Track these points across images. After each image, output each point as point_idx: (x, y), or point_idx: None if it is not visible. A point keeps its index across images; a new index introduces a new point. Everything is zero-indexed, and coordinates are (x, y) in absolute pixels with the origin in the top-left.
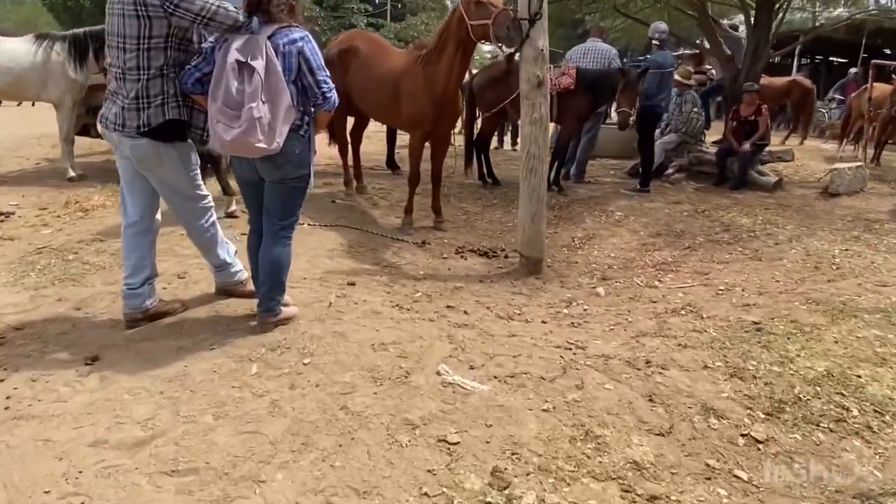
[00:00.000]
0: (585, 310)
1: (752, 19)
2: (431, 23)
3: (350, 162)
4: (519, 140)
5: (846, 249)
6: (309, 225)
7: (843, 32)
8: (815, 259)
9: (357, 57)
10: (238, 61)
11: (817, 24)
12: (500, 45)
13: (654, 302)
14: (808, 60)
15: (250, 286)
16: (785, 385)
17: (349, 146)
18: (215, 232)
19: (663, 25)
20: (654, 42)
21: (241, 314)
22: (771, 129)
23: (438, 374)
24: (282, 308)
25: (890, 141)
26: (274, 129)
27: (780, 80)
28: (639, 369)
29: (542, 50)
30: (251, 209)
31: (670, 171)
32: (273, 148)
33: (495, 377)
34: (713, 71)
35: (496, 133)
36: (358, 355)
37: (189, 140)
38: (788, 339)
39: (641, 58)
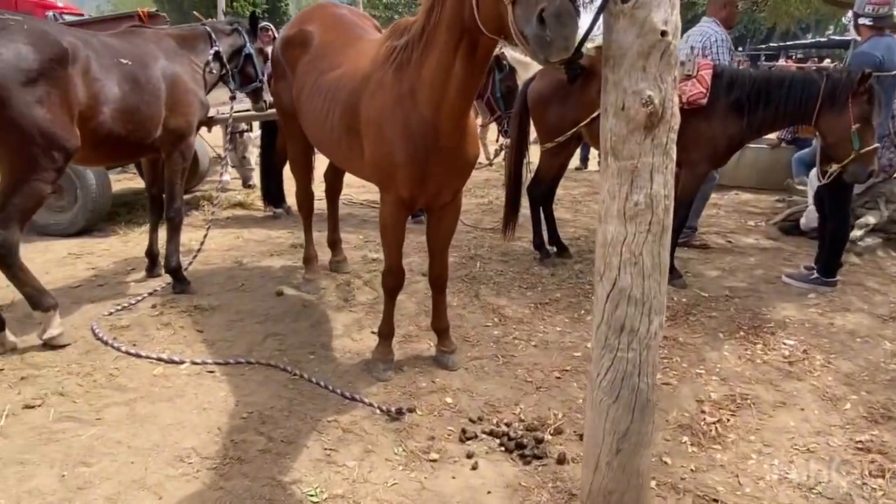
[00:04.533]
0: None
1: None
2: None
3: (320, 221)
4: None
5: None
6: (193, 364)
7: None
8: None
9: (307, 51)
10: None
11: None
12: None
13: None
14: None
15: None
16: None
17: (314, 199)
18: None
19: None
20: (863, 23)
21: None
22: None
23: None
24: None
25: None
26: None
27: None
28: None
29: (665, 35)
30: None
31: (859, 233)
32: None
33: None
34: None
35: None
36: None
37: None
38: None
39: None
